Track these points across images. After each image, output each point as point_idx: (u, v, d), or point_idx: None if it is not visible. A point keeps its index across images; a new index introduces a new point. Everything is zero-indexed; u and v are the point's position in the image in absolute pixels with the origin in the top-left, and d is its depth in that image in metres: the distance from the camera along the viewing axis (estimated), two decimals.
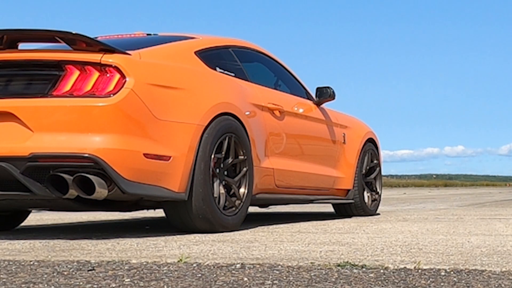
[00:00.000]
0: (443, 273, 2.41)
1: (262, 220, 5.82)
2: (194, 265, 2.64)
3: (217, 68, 4.70)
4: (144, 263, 2.70)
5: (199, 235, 4.15)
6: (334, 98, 5.91)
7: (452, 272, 2.43)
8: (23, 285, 2.20)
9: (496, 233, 4.21)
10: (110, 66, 3.79)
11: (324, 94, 5.87)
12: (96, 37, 4.71)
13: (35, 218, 6.66)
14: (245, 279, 2.30)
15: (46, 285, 2.21)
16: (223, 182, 4.37)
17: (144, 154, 3.82)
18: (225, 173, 4.41)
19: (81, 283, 2.23)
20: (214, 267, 2.59)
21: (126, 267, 2.59)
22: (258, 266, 2.60)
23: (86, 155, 3.66)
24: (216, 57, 4.80)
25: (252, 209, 8.25)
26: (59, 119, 3.72)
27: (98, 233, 4.42)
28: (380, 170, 6.81)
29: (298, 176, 5.40)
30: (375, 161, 6.74)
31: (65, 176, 3.67)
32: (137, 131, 3.82)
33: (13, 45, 3.96)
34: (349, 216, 6.45)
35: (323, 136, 5.91)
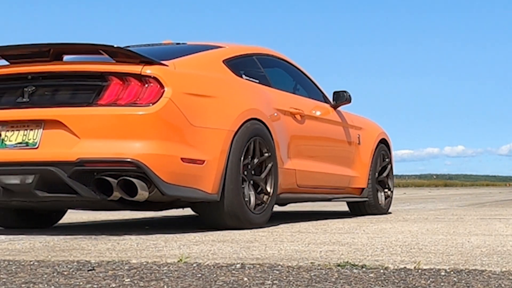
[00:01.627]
0: (443, 273, 2.41)
1: None
2: (194, 265, 2.65)
3: (243, 76, 5.02)
4: (144, 263, 2.71)
5: (199, 235, 4.16)
6: (350, 102, 6.23)
7: (452, 272, 2.43)
8: (23, 285, 2.20)
9: (496, 233, 4.21)
10: (150, 77, 4.09)
11: (341, 98, 6.19)
12: (127, 46, 5.08)
13: None
14: (245, 279, 2.30)
15: (46, 285, 2.21)
16: (251, 183, 4.68)
17: (181, 159, 4.13)
18: (253, 174, 4.72)
19: (81, 283, 2.24)
20: (214, 267, 2.59)
21: (126, 267, 2.60)
22: (258, 266, 2.60)
23: (129, 159, 3.96)
24: (241, 65, 5.12)
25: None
26: (104, 126, 4.02)
27: (98, 233, 4.42)
28: (391, 169, 7.12)
29: (318, 176, 5.72)
30: (387, 160, 7.06)
31: (110, 179, 3.98)
32: (175, 137, 4.13)
33: (59, 57, 4.25)
34: (363, 215, 6.72)
35: (340, 137, 6.23)
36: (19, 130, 4.15)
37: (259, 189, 4.78)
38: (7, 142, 4.15)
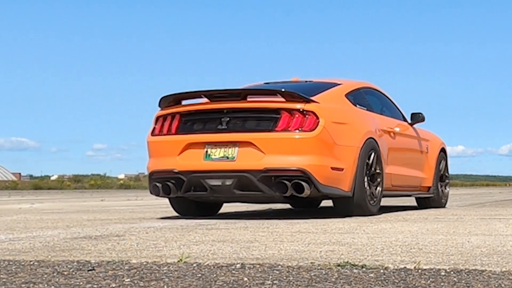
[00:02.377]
0: (443, 273, 2.41)
1: (262, 220, 5.83)
2: (194, 265, 2.65)
3: (357, 105, 6.79)
4: (144, 263, 2.71)
5: (199, 235, 4.16)
6: (424, 121, 8.15)
7: (452, 272, 2.43)
8: (23, 285, 2.20)
9: (496, 233, 4.21)
10: (309, 111, 5.86)
11: (417, 118, 8.15)
12: (266, 83, 7.33)
13: (35, 218, 6.67)
14: (245, 279, 2.30)
15: (46, 285, 2.21)
16: (369, 183, 6.47)
17: (331, 167, 5.93)
18: (369, 177, 6.47)
19: (81, 283, 2.24)
20: (214, 267, 2.59)
21: (126, 267, 2.60)
22: (258, 266, 2.60)
23: (297, 168, 5.74)
24: (355, 97, 6.90)
25: (251, 208, 8.24)
26: (280, 145, 5.79)
27: (98, 233, 4.42)
28: (448, 171, 9.08)
29: (403, 178, 7.64)
30: (445, 164, 9.03)
31: (286, 182, 5.74)
32: (327, 152, 5.91)
33: (245, 97, 5.98)
34: (427, 208, 8.56)
35: (416, 148, 8.16)
36: (220, 148, 5.93)
37: (373, 187, 6.56)
38: (212, 156, 5.94)
